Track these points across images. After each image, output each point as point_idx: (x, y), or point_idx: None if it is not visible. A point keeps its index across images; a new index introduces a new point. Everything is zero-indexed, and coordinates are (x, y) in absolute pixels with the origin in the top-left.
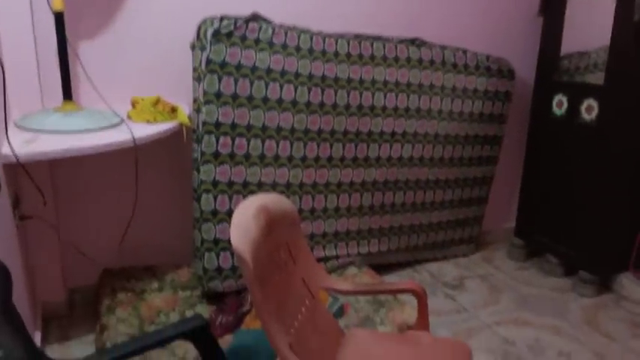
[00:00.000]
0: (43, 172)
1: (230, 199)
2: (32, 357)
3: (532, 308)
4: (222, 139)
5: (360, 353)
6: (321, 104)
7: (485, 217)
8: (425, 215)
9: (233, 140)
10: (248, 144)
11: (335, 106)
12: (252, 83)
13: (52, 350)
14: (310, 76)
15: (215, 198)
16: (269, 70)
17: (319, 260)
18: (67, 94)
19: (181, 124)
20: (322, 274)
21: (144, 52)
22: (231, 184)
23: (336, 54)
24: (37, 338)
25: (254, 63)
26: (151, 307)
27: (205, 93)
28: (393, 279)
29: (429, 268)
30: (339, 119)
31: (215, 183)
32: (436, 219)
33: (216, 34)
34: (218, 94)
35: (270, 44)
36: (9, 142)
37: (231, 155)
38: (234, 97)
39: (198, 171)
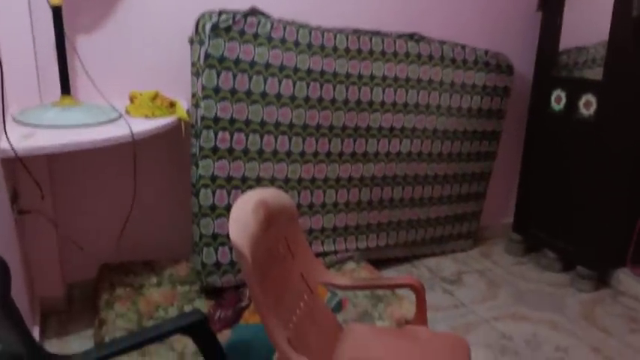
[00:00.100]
0: (42, 166)
1: (228, 194)
2: (31, 351)
3: (530, 303)
4: (220, 134)
5: (358, 348)
6: (320, 99)
7: (483, 213)
8: (423, 210)
9: (231, 135)
10: (246, 139)
11: (333, 101)
12: (250, 78)
13: (50, 345)
14: (309, 71)
15: (213, 193)
16: (267, 65)
17: (318, 255)
18: (65, 88)
19: (180, 119)
20: (321, 269)
21: (142, 46)
22: (229, 179)
23: (335, 49)
24: (36, 333)
25: (252, 58)
26: (150, 302)
27: (204, 88)
28: (392, 274)
29: (427, 263)
30: (337, 114)
31: (213, 178)
32: (434, 214)
33: (215, 28)
34: (216, 89)
35: (269, 39)
36: (7, 137)
37: (230, 150)
38: (233, 92)
39: (197, 166)
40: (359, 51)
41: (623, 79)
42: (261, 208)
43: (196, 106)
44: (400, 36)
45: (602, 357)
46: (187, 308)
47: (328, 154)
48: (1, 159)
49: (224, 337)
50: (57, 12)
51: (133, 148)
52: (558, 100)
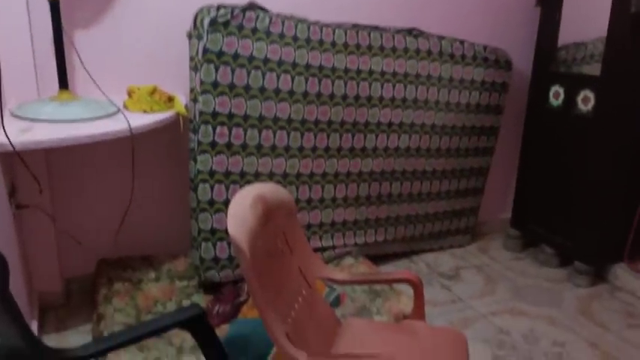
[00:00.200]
0: (39, 161)
1: (227, 189)
2: (30, 345)
3: (527, 298)
4: (219, 129)
5: (356, 342)
6: (318, 94)
7: (481, 208)
8: (421, 206)
9: (230, 130)
10: (245, 134)
11: (332, 96)
12: (249, 73)
13: (49, 339)
14: (307, 66)
15: (212, 188)
16: (266, 60)
17: (316, 250)
18: (63, 83)
19: (178, 114)
20: (319, 263)
21: (140, 41)
22: (228, 174)
23: (334, 44)
24: (34, 328)
25: (251, 52)
26: (148, 297)
27: (202, 83)
28: (390, 269)
29: (425, 258)
30: (336, 109)
31: (212, 173)
32: (432, 209)
33: (213, 23)
34: (215, 84)
35: (268, 34)
36: (5, 131)
37: (228, 145)
38: (231, 86)
39: (195, 161)
40: (357, 46)
41: (622, 75)
42: (260, 203)
43: (194, 100)
44: (399, 31)
45: (600, 352)
46: (186, 303)
47: (327, 149)
48: None
49: (222, 331)
50: (55, 6)
51: (132, 142)
52: (556, 95)
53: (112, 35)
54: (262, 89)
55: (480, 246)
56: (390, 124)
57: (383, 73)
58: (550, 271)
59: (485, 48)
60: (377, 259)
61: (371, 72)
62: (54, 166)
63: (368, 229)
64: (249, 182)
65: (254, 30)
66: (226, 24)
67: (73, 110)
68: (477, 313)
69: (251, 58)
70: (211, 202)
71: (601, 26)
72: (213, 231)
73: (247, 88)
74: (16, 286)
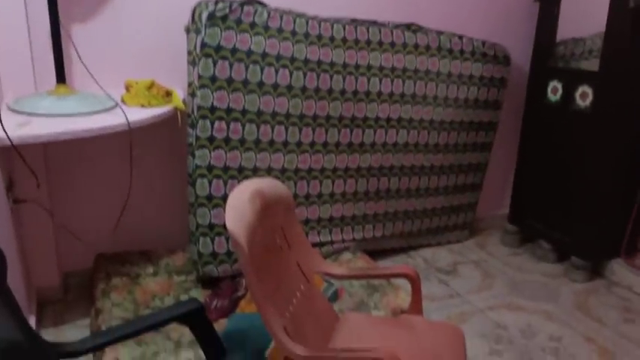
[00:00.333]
0: (37, 155)
1: (225, 184)
2: (28, 339)
3: (524, 293)
4: (217, 124)
5: (354, 336)
6: (317, 89)
7: (479, 204)
8: (419, 201)
9: (228, 125)
10: (243, 129)
11: (330, 91)
12: (247, 67)
13: (47, 334)
14: (306, 61)
15: (210, 183)
16: (264, 55)
17: (314, 246)
18: (61, 77)
19: (176, 109)
20: (317, 258)
21: (138, 35)
22: (226, 169)
23: (332, 39)
24: (32, 322)
25: (249, 47)
26: (146, 292)
27: (200, 77)
28: (388, 264)
29: (423, 253)
30: (334, 104)
31: (210, 168)
32: (430, 205)
33: (211, 17)
34: (213, 79)
35: (266, 28)
36: (2, 125)
37: (226, 140)
38: (229, 81)
39: (193, 156)
40: (356, 41)
41: (620, 71)
42: (258, 197)
43: (193, 95)
44: (397, 26)
45: (596, 347)
46: (184, 298)
47: (325, 144)
48: None
49: (220, 326)
50: (52, 0)
51: (129, 137)
52: (555, 91)
53: (110, 29)
54: (260, 84)
55: (477, 241)
56: (388, 120)
57: (381, 68)
58: (547, 267)
59: (483, 43)
60: (375, 254)
61: (369, 67)
62: (51, 160)
63: (366, 224)
64: (247, 177)
65: (252, 24)
66: (224, 18)
67: (70, 104)
68: (475, 308)
69: (249, 53)
70: (209, 197)
71: (599, 21)
72: (211, 226)
73: (245, 82)
74: (14, 280)
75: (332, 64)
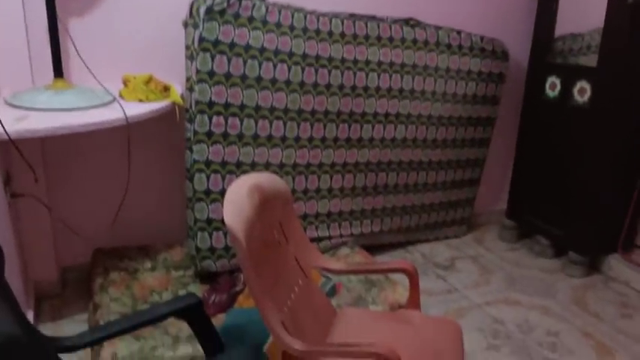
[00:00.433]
0: (35, 150)
1: (223, 179)
2: (26, 333)
3: (522, 289)
4: (215, 119)
5: (351, 331)
6: (315, 84)
7: (477, 199)
8: (417, 196)
9: (226, 120)
10: (241, 124)
11: (328, 86)
12: (245, 62)
13: (44, 328)
14: (304, 56)
15: (208, 178)
16: (262, 49)
17: (312, 241)
18: (58, 71)
19: (174, 103)
20: (315, 253)
21: (135, 29)
22: (224, 163)
23: (330, 33)
24: (30, 317)
25: (247, 42)
26: (144, 287)
27: (198, 72)
28: (385, 259)
29: (421, 249)
30: (332, 99)
31: (208, 163)
32: (428, 200)
33: (209, 11)
34: (211, 73)
35: (264, 23)
36: None
37: (225, 135)
38: (227, 76)
39: (191, 150)
40: (354, 36)
41: (618, 66)
42: (256, 192)
43: (190, 90)
44: (396, 21)
45: (593, 341)
46: (182, 293)
47: (323, 139)
48: None
49: (218, 321)
50: None
51: (127, 131)
52: (553, 86)
53: (108, 23)
54: (259, 79)
55: (475, 237)
56: (386, 115)
57: (380, 63)
58: (545, 262)
59: (482, 38)
60: (373, 249)
61: (368, 62)
62: (49, 154)
63: (364, 219)
64: (245, 172)
65: (250, 19)
66: (222, 12)
67: (68, 99)
68: (472, 303)
69: (247, 47)
70: (207, 192)
71: (598, 17)
72: (209, 221)
73: (244, 77)
74: (12, 275)
75: (330, 59)
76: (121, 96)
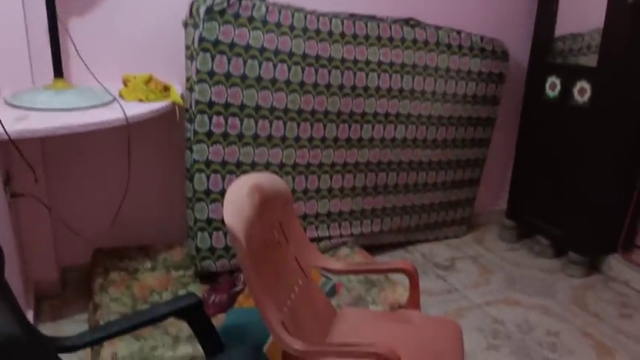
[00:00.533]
0: (35, 150)
1: (223, 179)
2: (26, 333)
3: (522, 289)
4: (215, 119)
5: (351, 331)
6: (315, 84)
7: (477, 199)
8: (417, 196)
9: (226, 120)
10: (241, 124)
11: (329, 86)
12: (245, 62)
13: (44, 328)
14: (304, 56)
15: (208, 178)
16: (262, 49)
17: (312, 241)
18: (58, 71)
19: (174, 103)
20: (315, 253)
21: (136, 29)
22: (224, 163)
23: (330, 33)
24: (30, 317)
25: (247, 42)
26: (144, 287)
27: (198, 72)
28: (385, 259)
29: (421, 249)
30: (332, 99)
31: (208, 163)
32: (428, 200)
33: (209, 11)
34: (211, 73)
35: (264, 23)
36: None
37: (225, 135)
38: (227, 76)
39: (191, 150)
40: (354, 36)
41: (618, 66)
42: (256, 192)
43: (190, 90)
44: (396, 21)
45: (593, 341)
46: (182, 293)
47: (323, 139)
48: None
49: (219, 321)
50: None
51: (127, 131)
52: (553, 86)
53: (108, 23)
54: (259, 79)
55: (475, 237)
56: (386, 115)
57: (380, 64)
58: (545, 262)
59: (482, 38)
60: (373, 249)
61: (368, 62)
62: (49, 154)
63: (364, 219)
64: (245, 172)
65: (250, 19)
66: (222, 12)
67: (68, 99)
68: (472, 303)
69: (247, 47)
70: (207, 192)
71: (598, 17)
72: (209, 221)
73: (244, 77)
74: (12, 275)
75: (330, 59)
76: (120, 96)
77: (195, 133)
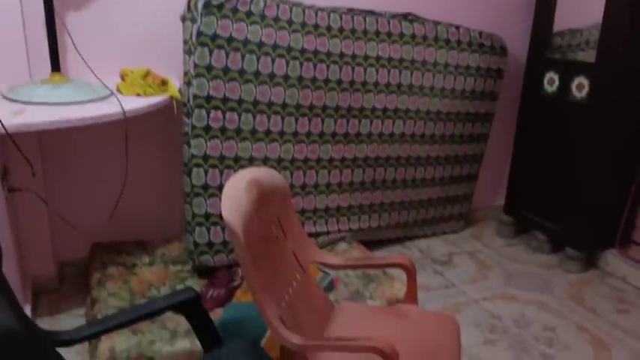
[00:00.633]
0: (32, 144)
1: (221, 173)
2: (24, 327)
3: (519, 284)
4: (213, 113)
5: (349, 326)
6: (313, 79)
7: (474, 195)
8: (415, 192)
9: (224, 114)
10: (239, 118)
11: (327, 81)
12: (243, 57)
13: (42, 323)
14: (302, 51)
15: (206, 172)
16: (261, 44)
17: (310, 236)
18: (55, 65)
19: (172, 98)
20: (313, 248)
21: (133, 23)
22: (222, 158)
23: (329, 28)
24: (27, 311)
25: (245, 36)
26: (142, 282)
27: (196, 66)
28: (383, 255)
29: (419, 244)
30: (331, 94)
31: (206, 157)
32: (426, 196)
33: (207, 5)
34: (209, 68)
35: (262, 17)
36: None
37: (222, 129)
38: (226, 70)
39: (189, 145)
40: (353, 31)
41: (616, 62)
42: (254, 186)
43: (188, 84)
44: (394, 16)
45: (590, 336)
46: (180, 287)
47: (321, 134)
48: None
49: (216, 315)
50: None
51: (125, 126)
52: (551, 82)
53: (105, 17)
54: (257, 73)
55: (473, 232)
56: (384, 110)
57: (378, 59)
58: (542, 258)
59: (480, 34)
60: (370, 244)
61: (366, 57)
62: (47, 149)
63: (362, 214)
64: (243, 167)
65: (248, 13)
66: (220, 7)
67: (65, 93)
68: (469, 298)
69: (245, 42)
70: (205, 187)
71: (596, 12)
72: (207, 215)
73: (242, 72)
74: (9, 269)
75: (329, 54)
76: (118, 90)
77: (193, 127)
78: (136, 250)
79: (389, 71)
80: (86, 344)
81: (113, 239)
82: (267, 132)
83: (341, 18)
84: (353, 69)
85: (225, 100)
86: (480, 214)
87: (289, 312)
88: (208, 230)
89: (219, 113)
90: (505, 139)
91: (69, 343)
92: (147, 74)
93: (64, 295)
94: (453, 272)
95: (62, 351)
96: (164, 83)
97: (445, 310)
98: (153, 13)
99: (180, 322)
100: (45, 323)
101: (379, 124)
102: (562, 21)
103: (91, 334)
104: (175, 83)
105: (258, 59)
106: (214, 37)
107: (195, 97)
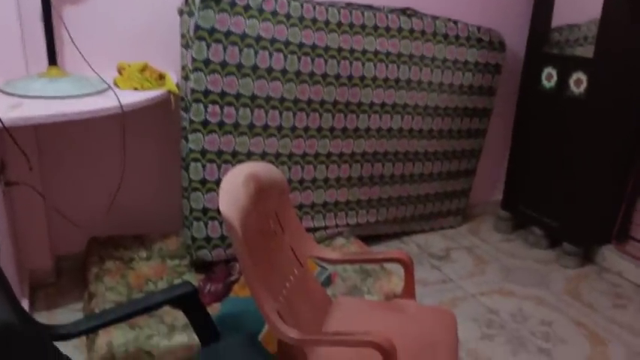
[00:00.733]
0: (29, 138)
1: (219, 168)
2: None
3: (516, 279)
4: (210, 108)
5: (347, 320)
6: (311, 74)
7: (472, 190)
8: (413, 187)
9: (222, 109)
10: (237, 113)
11: (325, 75)
12: (241, 51)
13: (39, 317)
14: (300, 45)
15: (204, 167)
16: (258, 38)
17: (307, 231)
18: (52, 59)
19: (169, 92)
20: (311, 243)
21: (130, 16)
22: (220, 153)
23: (327, 22)
24: (25, 305)
25: (243, 30)
26: (140, 276)
27: (194, 60)
28: (381, 250)
29: (416, 239)
30: (328, 89)
31: (204, 152)
32: (424, 191)
33: None
34: (206, 62)
35: (260, 11)
36: None
37: (220, 124)
38: (223, 64)
39: (187, 140)
40: (351, 25)
41: (614, 57)
42: (252, 181)
43: (186, 78)
44: (393, 10)
45: (587, 331)
46: (177, 282)
47: (319, 129)
48: None
49: (214, 310)
50: None
51: (122, 120)
52: (549, 77)
53: (102, 11)
54: (254, 68)
55: (470, 227)
56: (382, 105)
57: (376, 53)
58: (539, 253)
59: (478, 29)
60: (368, 239)
61: (364, 52)
62: (44, 142)
63: (360, 209)
64: (241, 162)
65: (246, 7)
66: (218, 1)
67: (62, 87)
68: (467, 293)
69: (243, 36)
70: (203, 182)
71: (595, 8)
72: (205, 210)
73: (239, 66)
74: (6, 263)
75: (326, 49)
76: (115, 84)
77: (191, 122)
78: (134, 245)
79: (387, 66)
80: (84, 338)
81: (110, 233)
82: (265, 127)
83: (339, 12)
84: (351, 63)
85: (222, 94)
86: (477, 210)
87: (287, 306)
88: (206, 225)
89: (217, 108)
90: (503, 134)
91: (66, 337)
92: (144, 68)
93: (61, 289)
94: (451, 267)
95: (60, 345)
96: (161, 77)
97: (443, 304)
98: (150, 7)
99: (178, 316)
100: (42, 317)
101: (377, 119)
102: (560, 16)
103: (88, 329)
104: (173, 77)
105: (256, 53)
106: (212, 31)
107: (192, 91)
